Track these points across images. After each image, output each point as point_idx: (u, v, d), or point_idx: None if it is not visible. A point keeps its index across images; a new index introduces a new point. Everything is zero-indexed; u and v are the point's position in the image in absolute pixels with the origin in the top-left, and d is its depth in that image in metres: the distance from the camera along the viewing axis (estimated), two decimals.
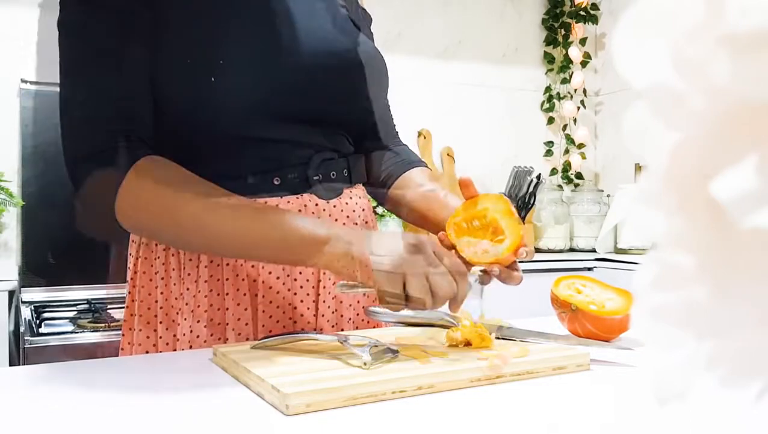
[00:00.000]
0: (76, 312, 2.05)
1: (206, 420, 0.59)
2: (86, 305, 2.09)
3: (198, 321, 0.88)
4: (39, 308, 2.03)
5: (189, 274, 0.89)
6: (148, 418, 0.60)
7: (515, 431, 0.58)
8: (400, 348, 0.78)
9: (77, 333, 1.77)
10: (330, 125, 0.94)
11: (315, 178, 0.92)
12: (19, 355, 1.81)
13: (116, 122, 0.81)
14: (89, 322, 1.86)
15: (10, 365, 1.85)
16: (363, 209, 0.99)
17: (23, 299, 2.05)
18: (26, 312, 1.95)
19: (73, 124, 0.82)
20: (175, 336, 0.90)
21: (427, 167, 1.11)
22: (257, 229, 0.79)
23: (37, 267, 2.26)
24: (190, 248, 0.87)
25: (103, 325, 1.82)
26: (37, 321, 1.91)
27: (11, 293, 1.92)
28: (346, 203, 0.96)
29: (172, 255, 0.90)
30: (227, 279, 0.89)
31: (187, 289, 0.89)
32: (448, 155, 3.01)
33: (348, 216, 0.96)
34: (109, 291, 2.17)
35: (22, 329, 1.82)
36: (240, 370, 0.71)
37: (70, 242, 2.21)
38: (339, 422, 0.59)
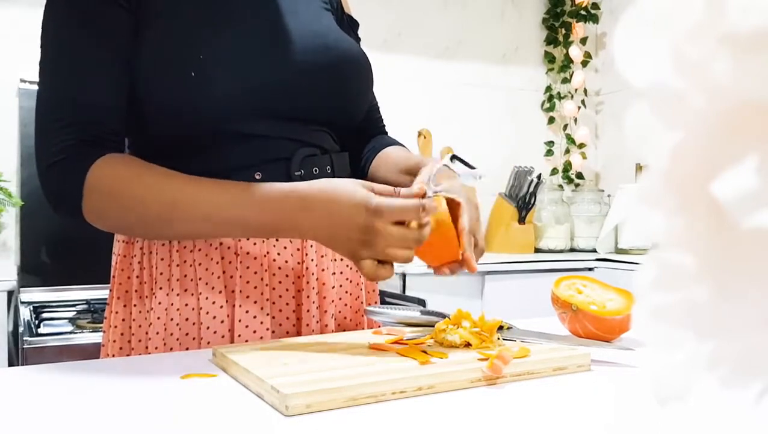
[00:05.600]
0: (75, 313, 2.05)
1: (206, 420, 0.59)
2: (85, 306, 2.09)
3: (171, 334, 0.89)
4: (38, 309, 2.03)
5: (161, 288, 0.90)
6: (148, 418, 0.60)
7: (515, 431, 0.58)
8: (400, 349, 0.78)
9: (76, 333, 1.77)
10: (312, 122, 0.94)
11: (297, 173, 0.92)
12: (18, 355, 1.81)
13: (73, 125, 0.83)
14: (88, 322, 1.87)
15: (9, 365, 1.85)
16: None
17: (22, 300, 2.05)
18: (25, 313, 1.95)
19: (39, 128, 0.84)
20: (147, 348, 0.90)
21: (403, 146, 1.12)
22: (231, 200, 0.81)
23: (36, 267, 2.26)
24: (162, 236, 0.88)
25: (102, 325, 1.82)
26: (36, 322, 1.91)
27: (10, 294, 1.92)
28: None
29: (147, 257, 0.91)
30: (200, 278, 0.89)
31: (159, 303, 0.89)
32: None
33: None
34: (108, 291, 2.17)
35: (21, 329, 1.82)
36: (240, 370, 0.71)
37: (69, 243, 2.21)
38: (339, 422, 0.59)
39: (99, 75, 0.85)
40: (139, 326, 0.91)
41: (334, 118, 0.97)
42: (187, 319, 0.89)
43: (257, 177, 0.90)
